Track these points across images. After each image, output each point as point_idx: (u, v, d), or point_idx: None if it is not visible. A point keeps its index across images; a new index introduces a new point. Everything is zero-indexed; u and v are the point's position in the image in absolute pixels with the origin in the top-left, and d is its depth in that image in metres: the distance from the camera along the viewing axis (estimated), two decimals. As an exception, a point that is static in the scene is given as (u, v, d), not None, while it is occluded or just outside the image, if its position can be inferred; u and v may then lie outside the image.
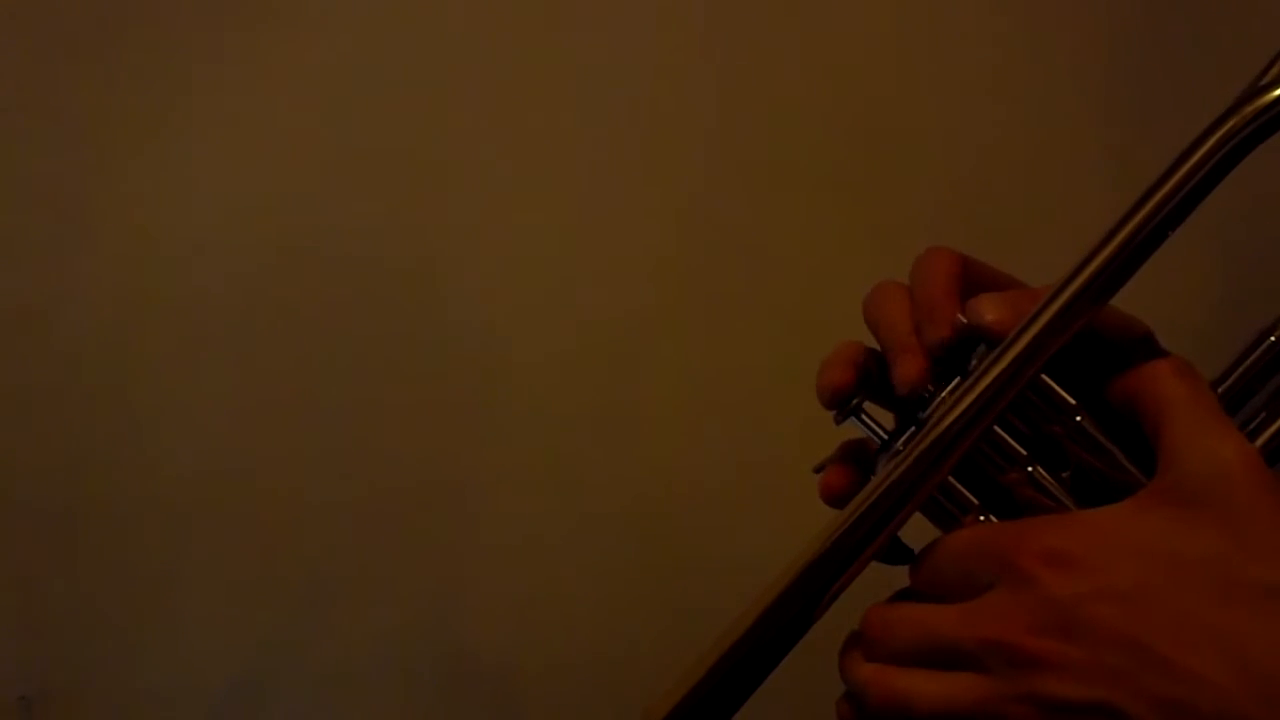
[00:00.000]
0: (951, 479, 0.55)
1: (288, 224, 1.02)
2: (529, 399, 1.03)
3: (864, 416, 0.57)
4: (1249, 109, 0.52)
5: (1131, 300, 0.55)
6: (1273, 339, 0.56)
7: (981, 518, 0.55)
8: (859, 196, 1.01)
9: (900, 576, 0.57)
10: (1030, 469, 0.55)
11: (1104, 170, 0.99)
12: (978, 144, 1.01)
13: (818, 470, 0.59)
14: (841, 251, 1.01)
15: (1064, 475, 0.55)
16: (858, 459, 0.58)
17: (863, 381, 0.58)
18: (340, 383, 1.03)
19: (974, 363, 0.55)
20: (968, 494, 0.55)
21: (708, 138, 1.01)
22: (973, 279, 0.57)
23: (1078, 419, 0.54)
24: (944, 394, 0.55)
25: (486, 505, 1.03)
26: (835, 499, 0.57)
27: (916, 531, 0.56)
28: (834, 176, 1.01)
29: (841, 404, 0.57)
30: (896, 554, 0.57)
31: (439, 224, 1.02)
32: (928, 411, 0.55)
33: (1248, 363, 0.56)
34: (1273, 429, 0.55)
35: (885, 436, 0.57)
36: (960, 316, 0.56)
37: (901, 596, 0.56)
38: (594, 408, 1.03)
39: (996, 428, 0.55)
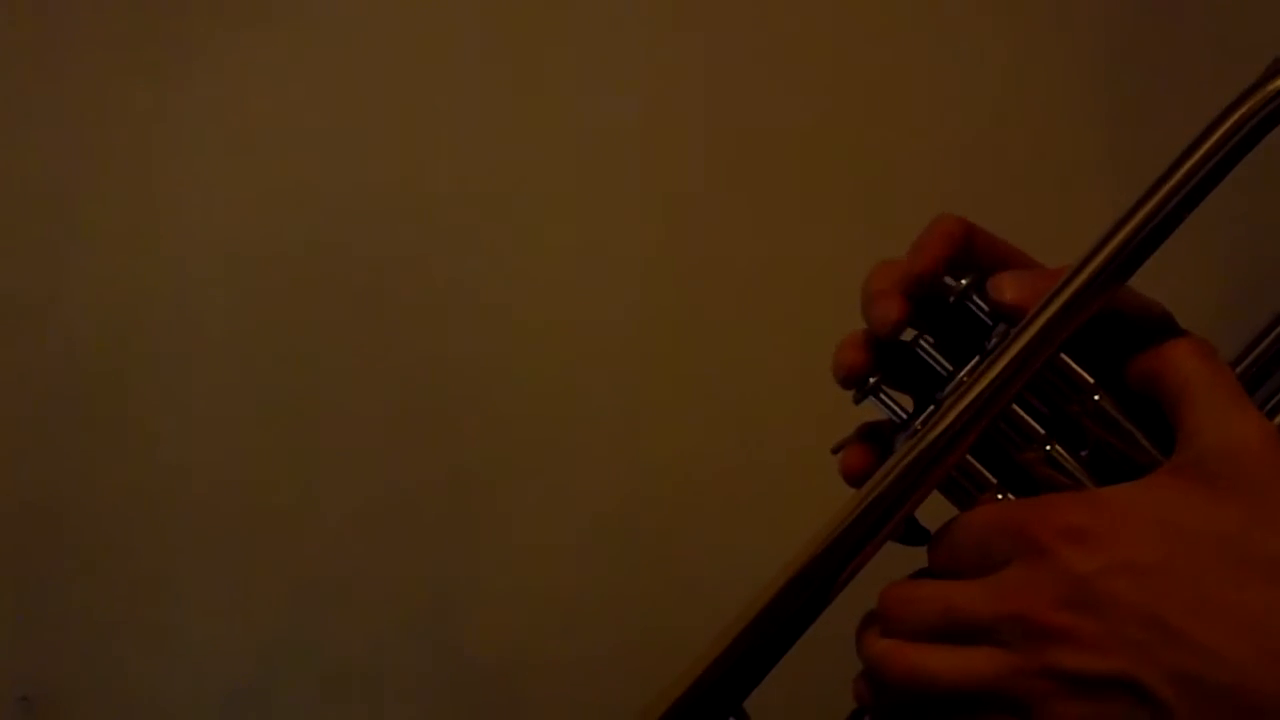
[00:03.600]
0: (970, 457, 0.55)
1: (287, 223, 1.02)
2: (529, 399, 1.03)
3: (883, 396, 0.57)
4: (1270, 88, 0.52)
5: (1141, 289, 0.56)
6: (1291, 318, 0.57)
7: (1000, 496, 0.55)
8: (860, 196, 1.01)
9: (916, 560, 0.57)
10: (1048, 448, 0.55)
11: (1105, 171, 0.99)
12: (978, 143, 1.01)
13: (836, 451, 0.59)
14: (845, 250, 1.01)
15: (1082, 454, 0.55)
16: (877, 439, 0.58)
17: (878, 361, 0.58)
18: (339, 383, 1.03)
19: (993, 341, 0.55)
20: (986, 472, 0.56)
21: (707, 138, 1.02)
22: (979, 246, 0.58)
23: (1096, 398, 0.54)
24: (962, 373, 0.55)
25: (487, 506, 1.03)
26: (855, 478, 0.57)
27: (935, 513, 0.56)
28: (835, 176, 1.01)
29: (857, 383, 0.57)
30: (913, 535, 0.57)
31: (440, 223, 1.03)
32: (946, 391, 0.55)
33: (1266, 342, 0.57)
34: (1291, 407, 0.55)
35: (904, 416, 0.57)
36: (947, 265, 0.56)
37: (920, 575, 0.56)
38: (593, 407, 1.03)
39: (1015, 406, 0.55)
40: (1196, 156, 0.53)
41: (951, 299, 0.57)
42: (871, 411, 0.58)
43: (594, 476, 1.02)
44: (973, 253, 0.57)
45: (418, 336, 1.03)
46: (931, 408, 0.55)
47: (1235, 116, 0.53)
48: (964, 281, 0.56)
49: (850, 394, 0.59)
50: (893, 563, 0.57)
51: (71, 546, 1.03)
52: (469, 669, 1.02)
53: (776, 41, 1.01)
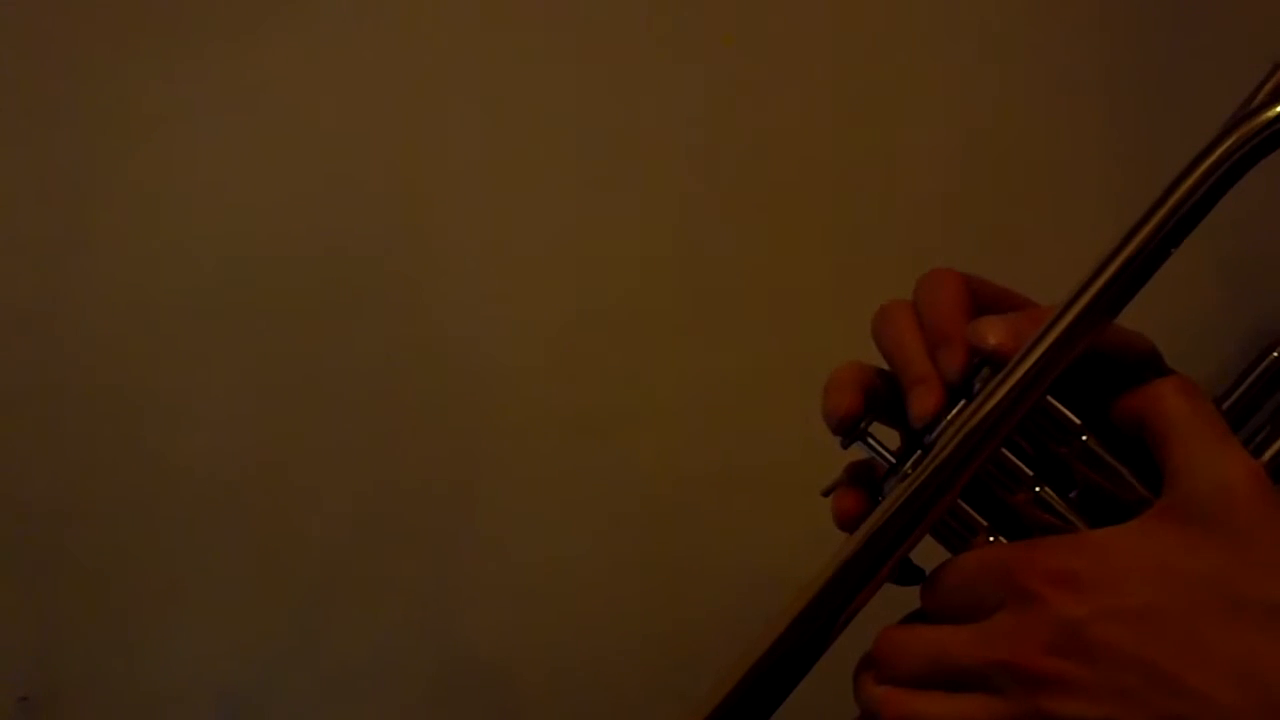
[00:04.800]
0: (960, 501, 0.55)
1: (287, 225, 1.02)
2: (531, 400, 1.03)
3: (870, 440, 0.57)
4: (1246, 129, 0.52)
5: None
6: (1275, 355, 0.57)
7: (990, 538, 0.56)
8: (856, 200, 1.01)
9: (911, 597, 0.57)
10: (1038, 489, 0.55)
11: (1105, 174, 0.98)
12: (976, 146, 1.00)
13: (826, 494, 0.59)
14: (842, 255, 1.00)
15: (1071, 495, 0.55)
16: (866, 481, 0.59)
17: (870, 404, 0.58)
18: (340, 384, 1.03)
19: (978, 386, 0.55)
20: (976, 515, 0.56)
21: (700, 140, 1.01)
22: (979, 299, 0.58)
23: (1084, 439, 0.55)
24: (950, 416, 0.55)
25: (487, 506, 1.03)
26: (848, 523, 0.57)
27: (926, 553, 0.57)
28: (831, 179, 1.01)
29: (849, 430, 0.57)
30: (908, 575, 0.57)
31: (440, 224, 1.02)
32: (934, 434, 0.55)
33: (1251, 379, 0.57)
34: (1277, 445, 0.55)
35: (893, 460, 0.57)
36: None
37: (913, 618, 0.56)
38: (595, 409, 1.03)
39: (1003, 449, 0.55)
40: (1177, 195, 0.53)
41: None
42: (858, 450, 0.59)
43: (597, 478, 1.02)
44: (974, 305, 0.57)
45: (420, 337, 1.02)
46: (919, 452, 0.55)
47: (1215, 155, 0.53)
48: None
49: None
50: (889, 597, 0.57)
51: (72, 547, 1.03)
52: (470, 670, 1.03)
53: (776, 41, 1.00)
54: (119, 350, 1.02)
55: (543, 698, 1.03)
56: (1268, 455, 0.55)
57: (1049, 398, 0.55)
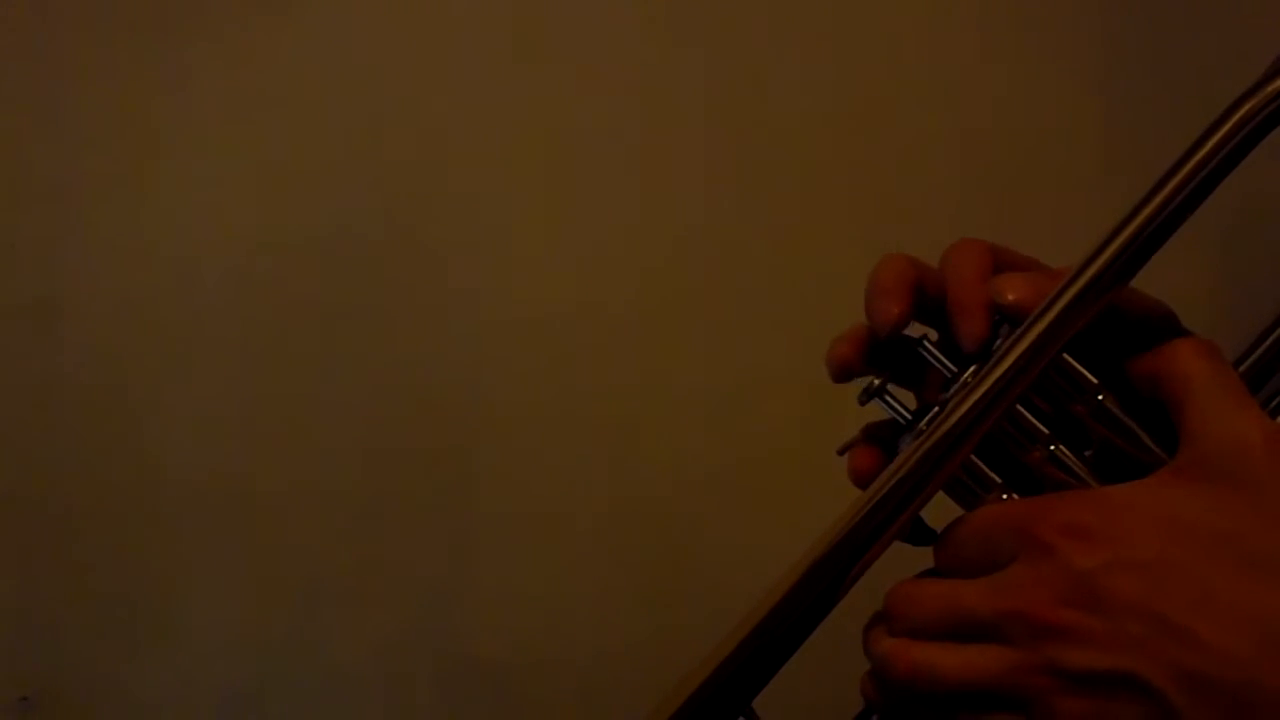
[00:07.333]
0: (974, 458, 0.56)
1: (287, 224, 1.02)
2: (529, 398, 1.03)
3: (887, 397, 0.58)
4: (1270, 89, 0.52)
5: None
6: (1293, 317, 0.57)
7: (1004, 495, 0.56)
8: (857, 190, 1.01)
9: (923, 559, 0.57)
10: (1053, 447, 0.55)
11: (1103, 172, 0.99)
12: (974, 138, 1.01)
13: (842, 452, 0.59)
14: (844, 245, 1.01)
15: (1086, 454, 0.55)
16: (882, 440, 0.59)
17: (874, 357, 0.58)
18: (339, 383, 1.03)
19: (997, 342, 0.55)
20: (990, 472, 0.56)
21: (706, 132, 1.02)
22: (1004, 267, 0.58)
23: (1100, 398, 0.55)
24: (967, 374, 0.56)
25: (486, 505, 1.03)
26: (863, 479, 0.57)
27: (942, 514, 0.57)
28: (832, 170, 1.01)
29: (846, 377, 0.58)
30: (919, 535, 0.57)
31: (440, 222, 1.03)
32: (950, 391, 0.55)
33: (1269, 341, 0.57)
34: (1295, 406, 0.55)
35: (909, 417, 0.57)
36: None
37: (925, 575, 0.56)
38: (595, 407, 1.03)
39: (1019, 406, 0.55)
40: (1199, 156, 0.53)
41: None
42: (876, 411, 0.59)
43: (595, 475, 1.02)
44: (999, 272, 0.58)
45: (418, 336, 1.03)
46: (936, 409, 0.56)
47: (1237, 116, 0.53)
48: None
49: (850, 388, 0.59)
50: (901, 563, 0.57)
51: (71, 547, 1.03)
52: (469, 669, 1.03)
53: (777, 42, 1.01)
54: (118, 350, 1.02)
55: (541, 697, 1.02)
56: (1285, 417, 0.55)
57: (1066, 356, 0.55)
